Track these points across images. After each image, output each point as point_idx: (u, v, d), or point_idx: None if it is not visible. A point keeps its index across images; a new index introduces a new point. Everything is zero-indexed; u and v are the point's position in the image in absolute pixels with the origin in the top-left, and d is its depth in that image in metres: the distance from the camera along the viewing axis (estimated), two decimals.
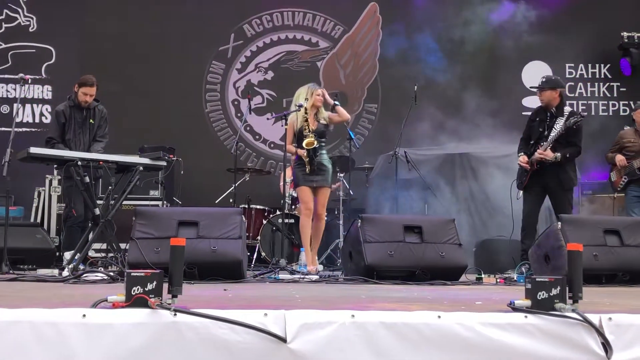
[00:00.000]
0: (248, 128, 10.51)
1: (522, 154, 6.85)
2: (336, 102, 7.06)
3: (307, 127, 6.83)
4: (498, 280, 5.72)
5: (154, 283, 2.54)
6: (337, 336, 2.52)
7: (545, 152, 6.60)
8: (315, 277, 5.76)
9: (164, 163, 6.27)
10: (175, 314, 2.48)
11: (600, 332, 2.57)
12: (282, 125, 7.28)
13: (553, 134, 6.64)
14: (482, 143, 8.81)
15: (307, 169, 6.84)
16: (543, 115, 6.83)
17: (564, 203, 6.62)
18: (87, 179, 5.79)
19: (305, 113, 6.82)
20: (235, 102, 10.69)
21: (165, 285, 2.59)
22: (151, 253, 4.97)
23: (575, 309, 2.62)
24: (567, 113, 6.73)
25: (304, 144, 6.80)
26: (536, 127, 6.82)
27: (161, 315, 2.49)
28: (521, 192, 6.84)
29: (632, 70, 10.70)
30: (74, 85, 7.01)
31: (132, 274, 2.56)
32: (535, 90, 6.98)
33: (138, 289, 2.52)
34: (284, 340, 2.47)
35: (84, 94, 6.91)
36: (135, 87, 10.23)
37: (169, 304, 2.52)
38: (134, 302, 2.52)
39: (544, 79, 6.90)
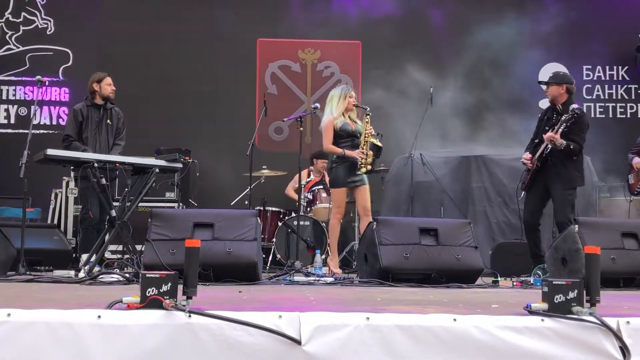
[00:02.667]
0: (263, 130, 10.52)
1: (527, 152, 6.72)
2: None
3: (367, 128, 6.89)
4: (514, 284, 5.68)
5: (169, 284, 2.54)
6: (352, 339, 2.51)
7: (556, 135, 6.32)
8: (330, 279, 5.75)
9: (180, 165, 6.28)
10: (190, 316, 2.48)
11: (618, 336, 2.55)
12: (297, 128, 7.33)
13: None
14: (498, 145, 8.76)
15: (366, 169, 6.85)
16: (550, 113, 6.67)
17: (563, 202, 6.40)
18: (104, 181, 5.80)
19: (367, 115, 6.92)
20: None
21: (180, 287, 2.59)
22: (167, 254, 4.98)
23: (592, 313, 2.60)
24: (571, 110, 6.44)
25: (367, 143, 6.85)
26: (543, 126, 6.67)
27: (176, 317, 2.49)
28: (523, 193, 6.74)
29: None
30: (90, 85, 7.02)
31: (147, 275, 2.56)
32: (542, 85, 6.76)
33: (153, 290, 2.53)
34: (298, 342, 2.47)
35: (107, 85, 6.96)
36: (151, 89, 10.27)
37: (184, 306, 2.52)
38: (148, 303, 2.52)
39: (551, 74, 6.75)
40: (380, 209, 9.14)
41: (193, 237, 4.96)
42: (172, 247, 5.05)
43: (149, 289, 2.53)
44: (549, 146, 6.38)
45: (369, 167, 6.87)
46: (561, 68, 10.60)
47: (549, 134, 6.38)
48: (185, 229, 5.19)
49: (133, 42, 10.38)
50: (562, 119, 6.31)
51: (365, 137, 6.91)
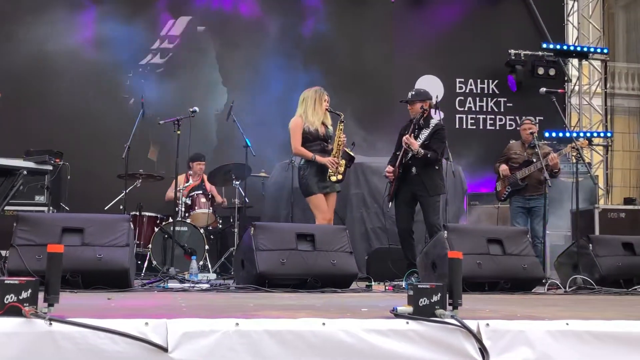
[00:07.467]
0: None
1: (389, 165, 7.03)
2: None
3: (341, 136, 6.86)
4: (387, 288, 5.82)
5: (29, 291, 2.44)
6: (221, 345, 2.49)
7: (412, 140, 6.73)
8: (206, 285, 5.70)
9: (49, 167, 6.05)
10: (50, 324, 2.39)
11: (477, 338, 2.65)
12: (174, 131, 7.23)
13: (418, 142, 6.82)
14: (374, 154, 8.95)
15: (336, 178, 6.81)
16: (410, 127, 6.99)
17: (430, 208, 6.77)
18: None
19: (341, 122, 6.87)
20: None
21: (42, 294, 2.49)
22: (33, 260, 4.75)
23: (454, 315, 2.70)
24: (432, 125, 6.92)
25: (339, 152, 6.81)
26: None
27: (35, 325, 2.39)
28: (391, 203, 6.99)
29: (517, 86, 11.23)
30: None
31: (5, 281, 2.45)
32: (405, 103, 7.09)
33: (11, 297, 2.42)
34: (165, 349, 2.42)
35: None
36: (21, 89, 9.79)
37: (45, 313, 2.43)
38: (6, 311, 2.41)
39: (413, 92, 7.11)
40: (261, 215, 9.14)
41: (61, 242, 4.78)
42: (38, 252, 4.81)
43: (7, 296, 2.42)
44: (409, 153, 6.73)
45: (340, 176, 6.85)
46: (435, 80, 11.04)
47: (406, 136, 6.75)
48: (53, 233, 4.97)
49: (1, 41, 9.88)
50: (430, 131, 6.76)
51: (338, 144, 6.86)
